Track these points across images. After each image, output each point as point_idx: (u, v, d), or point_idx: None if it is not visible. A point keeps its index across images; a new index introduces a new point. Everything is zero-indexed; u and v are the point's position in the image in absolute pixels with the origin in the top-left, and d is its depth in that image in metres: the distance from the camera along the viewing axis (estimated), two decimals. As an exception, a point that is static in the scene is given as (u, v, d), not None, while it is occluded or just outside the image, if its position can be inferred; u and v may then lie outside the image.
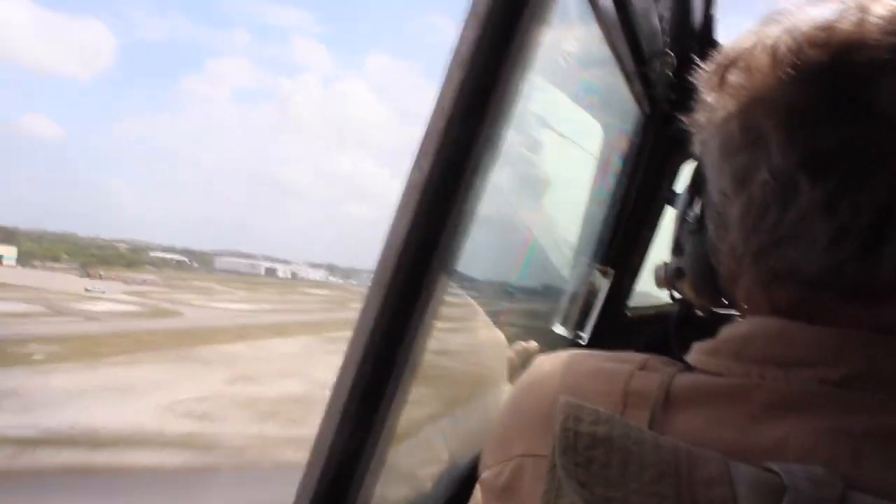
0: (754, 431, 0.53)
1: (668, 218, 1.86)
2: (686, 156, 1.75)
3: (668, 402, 0.56)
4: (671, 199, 0.82)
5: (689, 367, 0.61)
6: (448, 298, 0.98)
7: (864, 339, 0.54)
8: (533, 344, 1.41)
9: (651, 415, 0.56)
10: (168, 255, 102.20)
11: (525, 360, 1.27)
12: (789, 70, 0.55)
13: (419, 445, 0.97)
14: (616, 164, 1.68)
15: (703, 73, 0.65)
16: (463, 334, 1.05)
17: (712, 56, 0.65)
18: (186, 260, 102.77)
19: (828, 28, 0.55)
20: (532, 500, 0.56)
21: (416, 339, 0.69)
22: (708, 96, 0.63)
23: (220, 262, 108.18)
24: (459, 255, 0.77)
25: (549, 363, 0.68)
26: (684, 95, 1.61)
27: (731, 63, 0.60)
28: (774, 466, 0.48)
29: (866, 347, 0.54)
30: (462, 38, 0.59)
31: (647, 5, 1.00)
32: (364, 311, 0.64)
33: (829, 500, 0.46)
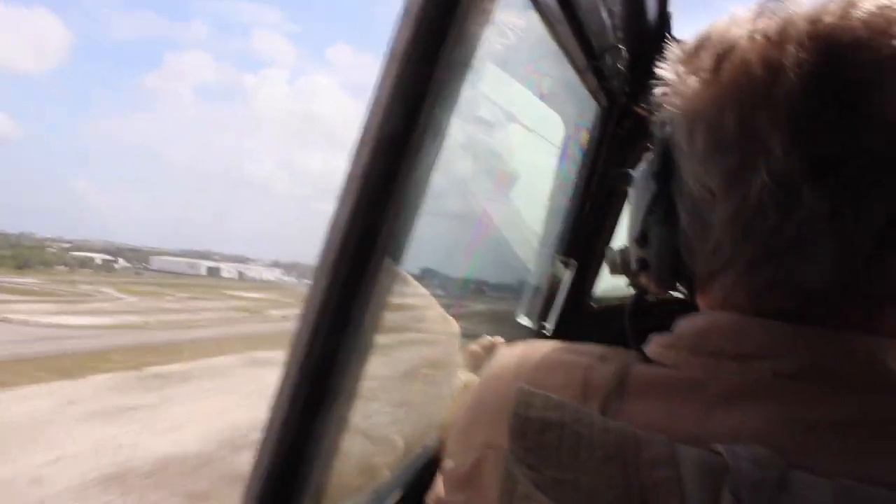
0: (707, 421, 0.54)
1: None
2: (646, 147, 1.78)
3: (623, 392, 0.57)
4: (627, 179, 0.78)
5: (647, 359, 0.61)
6: (400, 287, 1.00)
7: (818, 334, 0.55)
8: (498, 338, 1.42)
9: (604, 404, 0.57)
10: (96, 255, 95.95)
11: (491, 353, 1.28)
12: (793, 67, 0.52)
13: (374, 434, 0.99)
14: (577, 156, 1.71)
15: (678, 56, 0.62)
16: (415, 322, 1.06)
17: (686, 41, 0.63)
18: (112, 259, 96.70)
19: (817, 21, 0.53)
20: (493, 490, 0.57)
21: (362, 326, 0.70)
22: (687, 82, 0.60)
23: (158, 262, 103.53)
24: (407, 242, 0.78)
25: (510, 355, 0.69)
26: (641, 89, 1.65)
27: (725, 52, 0.57)
28: (719, 448, 0.50)
29: (819, 342, 0.55)
30: (399, 28, 0.61)
31: (593, 1, 1.02)
32: (308, 302, 0.65)
33: (770, 479, 0.48)
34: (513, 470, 0.54)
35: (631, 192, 0.73)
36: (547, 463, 0.53)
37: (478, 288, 1.75)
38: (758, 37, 0.56)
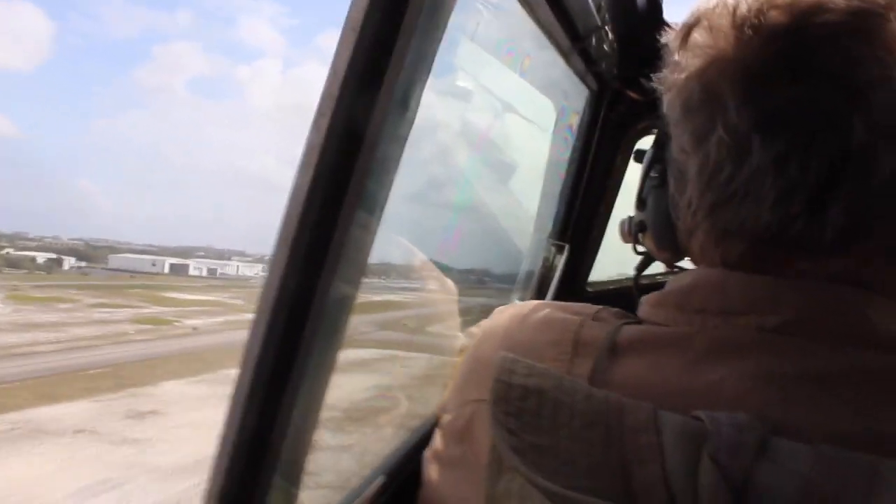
0: (692, 376, 0.55)
1: (624, 194, 1.90)
2: (638, 130, 1.79)
3: (613, 350, 0.58)
4: (639, 156, 0.83)
5: (639, 321, 0.63)
6: (396, 258, 1.01)
7: (799, 288, 0.56)
8: None
9: (595, 362, 0.58)
10: (39, 253, 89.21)
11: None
12: (748, 31, 0.56)
13: (379, 394, 1.00)
14: (570, 140, 1.72)
15: (671, 36, 0.65)
16: (411, 286, 1.08)
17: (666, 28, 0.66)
18: (56, 257, 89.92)
19: None
20: (485, 442, 0.58)
21: (328, 299, 0.71)
22: (674, 55, 0.63)
23: (116, 260, 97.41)
24: (383, 203, 0.79)
25: (506, 313, 0.71)
26: (632, 72, 1.65)
27: (695, 22, 0.61)
28: (701, 414, 0.51)
29: (801, 295, 0.56)
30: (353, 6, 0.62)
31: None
32: (267, 280, 0.66)
33: (749, 444, 0.48)
34: (494, 436, 0.55)
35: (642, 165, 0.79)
36: (526, 428, 0.54)
37: (475, 278, 1.76)
38: (722, 5, 0.59)
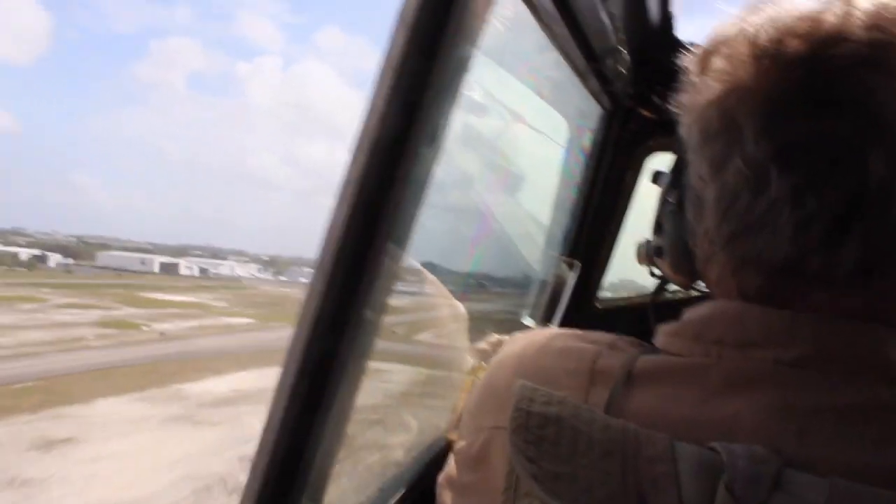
0: (708, 408, 0.55)
1: (635, 211, 1.90)
2: (650, 148, 1.80)
3: (629, 380, 0.58)
4: (656, 178, 0.82)
5: (655, 349, 0.63)
6: (407, 276, 1.02)
7: (816, 322, 0.56)
8: (506, 337, 1.44)
9: (611, 392, 0.58)
10: (22, 250, 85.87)
11: (498, 350, 1.30)
12: (767, 60, 0.56)
13: (388, 418, 1.00)
14: (581, 157, 1.72)
15: (690, 60, 0.65)
16: (423, 309, 1.08)
17: (687, 48, 0.66)
18: (40, 254, 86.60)
19: (811, 20, 0.55)
20: (501, 469, 0.58)
21: (364, 317, 0.72)
22: (693, 80, 0.63)
23: (104, 258, 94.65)
24: (408, 238, 0.80)
25: (522, 341, 0.71)
26: (645, 90, 1.66)
27: (714, 49, 0.61)
28: (717, 446, 0.51)
29: (818, 330, 0.56)
30: (395, 32, 0.63)
31: (592, 4, 1.03)
32: (307, 299, 0.67)
33: (765, 476, 0.49)
34: (513, 463, 0.56)
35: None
36: (545, 456, 0.54)
37: (483, 287, 1.76)
38: (741, 33, 0.59)
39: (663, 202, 0.73)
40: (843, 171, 0.53)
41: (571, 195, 1.77)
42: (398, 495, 0.96)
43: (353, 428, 0.83)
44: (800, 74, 0.55)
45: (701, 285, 0.73)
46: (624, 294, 2.11)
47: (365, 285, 0.70)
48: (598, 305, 2.02)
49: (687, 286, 0.77)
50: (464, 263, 1.64)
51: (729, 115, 0.58)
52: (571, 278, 1.75)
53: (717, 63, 0.60)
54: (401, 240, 0.77)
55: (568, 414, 0.55)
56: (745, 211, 0.57)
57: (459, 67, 0.76)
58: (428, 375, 1.11)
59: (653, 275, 0.85)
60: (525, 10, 0.93)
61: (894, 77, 0.53)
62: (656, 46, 1.48)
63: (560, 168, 1.78)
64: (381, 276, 0.74)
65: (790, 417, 0.53)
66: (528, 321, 1.75)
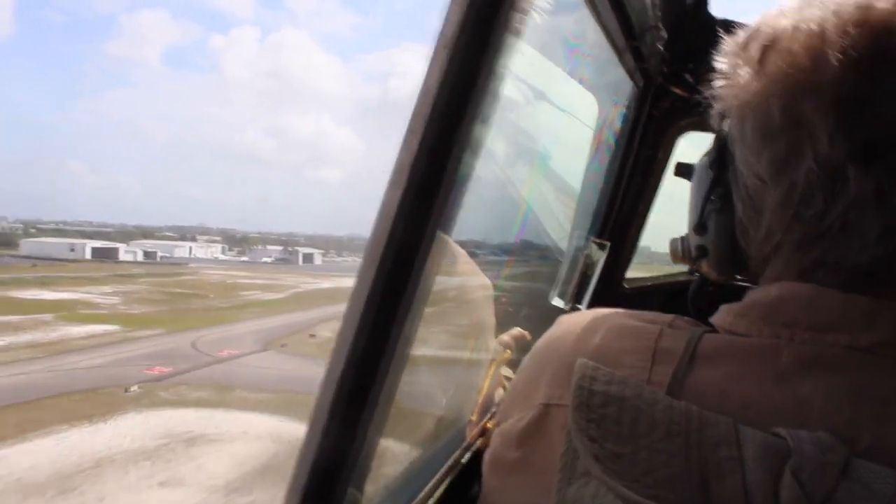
0: (778, 389, 0.55)
1: (665, 191, 1.88)
2: (681, 128, 1.77)
3: (694, 358, 0.58)
4: (686, 171, 0.79)
5: (713, 330, 0.62)
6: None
7: (894, 309, 0.55)
8: (527, 333, 1.43)
9: (675, 370, 0.58)
10: None
11: (522, 345, 1.29)
12: (836, 55, 0.54)
13: (421, 404, 1.00)
14: (611, 137, 1.70)
15: (731, 48, 0.64)
16: (456, 287, 1.07)
17: (721, 35, 0.65)
18: None
19: (869, 9, 0.54)
20: (557, 447, 0.58)
21: (412, 306, 0.71)
22: (739, 73, 0.61)
23: (28, 246, 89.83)
24: (456, 220, 0.79)
25: (574, 320, 0.70)
26: (678, 68, 1.62)
27: (771, 43, 0.59)
28: (782, 431, 0.50)
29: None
30: (447, 17, 0.61)
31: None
32: (358, 284, 0.66)
33: (833, 464, 0.48)
34: (574, 442, 0.55)
35: (692, 182, 0.76)
36: (607, 436, 0.54)
37: (510, 265, 1.75)
38: (802, 26, 0.57)
39: (706, 200, 0.70)
40: None
41: (602, 175, 1.75)
42: (430, 481, 0.97)
43: (393, 415, 0.83)
44: (870, 71, 0.53)
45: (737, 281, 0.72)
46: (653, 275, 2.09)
47: (415, 274, 0.69)
48: (626, 286, 2.01)
49: (724, 281, 0.76)
50: (496, 243, 1.63)
51: (796, 112, 0.56)
52: (601, 259, 1.73)
53: (776, 58, 0.58)
54: (448, 227, 0.76)
55: (630, 394, 0.55)
56: (820, 213, 0.56)
57: (506, 50, 0.74)
58: (458, 359, 1.11)
59: (691, 274, 0.83)
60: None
61: None
62: (690, 24, 1.45)
63: (591, 148, 1.75)
64: (430, 263, 0.73)
65: (864, 403, 0.53)
66: (557, 301, 1.73)
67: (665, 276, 2.08)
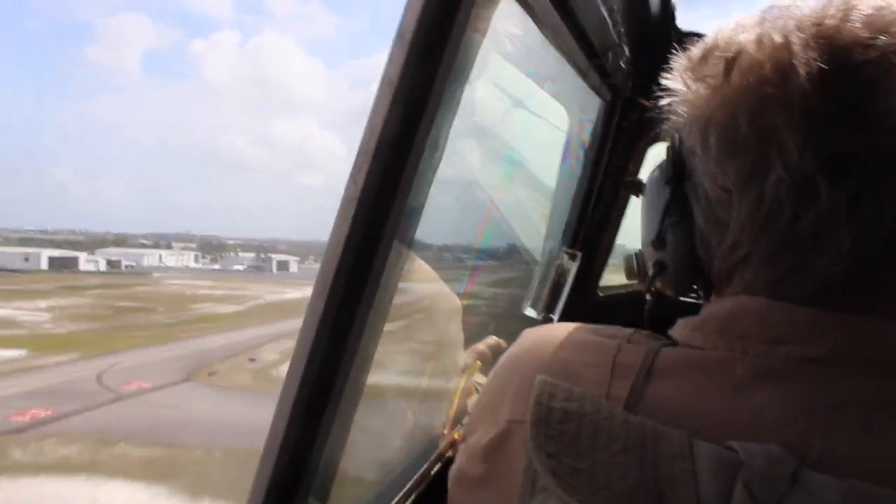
0: (733, 401, 0.56)
1: (637, 201, 1.90)
2: (652, 138, 1.79)
3: (651, 373, 0.59)
4: (636, 187, 0.79)
5: (673, 343, 0.64)
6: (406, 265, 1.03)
7: (844, 319, 0.57)
8: (501, 340, 1.45)
9: (633, 384, 0.59)
10: None
11: (497, 354, 1.30)
12: (804, 67, 0.55)
13: (387, 415, 1.01)
14: (580, 149, 1.72)
15: (686, 63, 0.64)
16: (419, 301, 1.09)
17: (688, 46, 0.65)
18: None
19: (829, 24, 0.56)
20: (518, 463, 0.59)
21: (369, 316, 0.73)
22: (696, 87, 0.62)
23: None
24: (415, 231, 0.81)
25: (537, 335, 0.71)
26: (646, 81, 1.64)
27: (735, 56, 0.59)
28: (735, 444, 0.52)
29: (845, 327, 0.57)
30: (396, 40, 0.63)
31: (589, 3, 1.03)
32: (314, 295, 0.68)
33: (781, 476, 0.50)
34: (532, 458, 0.56)
35: (644, 197, 0.76)
36: (565, 451, 0.55)
37: (483, 276, 1.77)
38: (765, 40, 0.58)
39: (664, 214, 0.69)
40: (893, 178, 0.54)
41: (573, 185, 1.77)
42: (399, 492, 0.98)
43: (356, 426, 0.84)
44: (837, 84, 0.54)
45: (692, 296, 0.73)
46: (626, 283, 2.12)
47: (371, 283, 0.71)
48: (600, 294, 2.03)
49: (680, 296, 0.76)
50: (467, 254, 1.65)
51: (764, 124, 0.57)
52: (573, 269, 1.76)
53: (741, 70, 0.58)
54: (406, 238, 0.78)
55: (589, 409, 0.56)
56: (790, 223, 0.57)
57: (460, 75, 0.76)
58: (424, 372, 1.12)
59: (648, 291, 0.79)
60: (525, 15, 0.93)
61: None
62: (658, 37, 1.48)
63: (562, 159, 1.78)
64: (388, 272, 0.74)
65: (815, 413, 0.54)
66: (530, 312, 1.76)
67: (639, 285, 2.10)
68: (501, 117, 1.57)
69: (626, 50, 1.31)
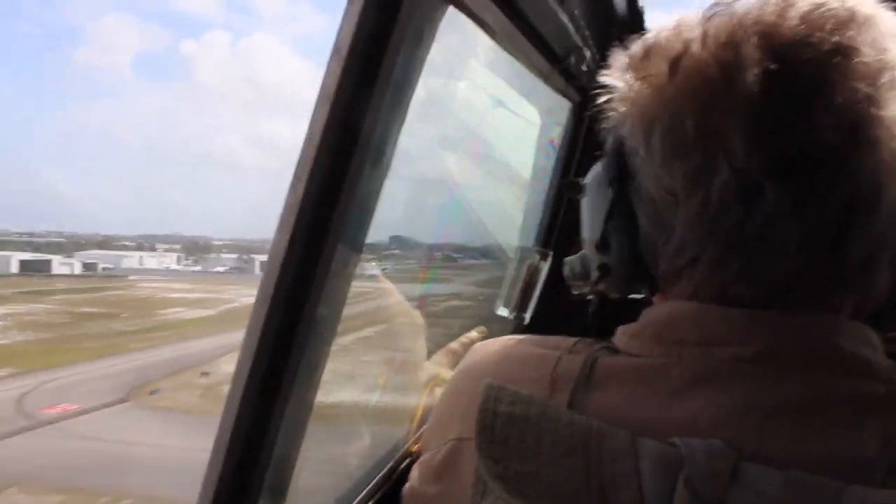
0: (669, 406, 0.57)
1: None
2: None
3: (590, 382, 0.60)
4: (576, 188, 0.77)
5: (615, 350, 0.65)
6: (365, 281, 1.03)
7: (774, 319, 0.58)
8: (474, 334, 1.45)
9: (572, 395, 0.60)
10: None
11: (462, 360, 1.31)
12: (750, 68, 0.55)
13: (342, 430, 1.02)
14: (549, 147, 1.73)
15: (627, 61, 0.65)
16: (378, 316, 1.10)
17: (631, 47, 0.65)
18: None
19: (772, 25, 0.56)
20: (469, 479, 0.60)
21: (316, 319, 0.73)
22: (637, 86, 0.62)
23: None
24: (363, 236, 0.81)
25: (484, 350, 0.72)
26: (616, 81, 1.65)
27: (678, 57, 0.60)
28: (677, 441, 0.53)
29: (774, 325, 0.58)
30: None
31: (546, 10, 1.04)
32: (259, 297, 0.68)
33: (722, 470, 0.51)
34: (478, 464, 0.57)
35: (585, 199, 0.76)
36: (511, 456, 0.55)
37: (456, 275, 1.78)
38: (710, 39, 0.58)
39: (608, 216, 0.69)
40: (838, 177, 0.54)
41: (545, 185, 1.78)
42: (358, 496, 0.99)
43: (309, 437, 0.85)
44: (783, 84, 0.55)
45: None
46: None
47: (316, 287, 0.71)
48: (575, 292, 2.03)
49: (621, 297, 0.75)
50: (440, 253, 1.66)
51: (710, 126, 0.57)
52: (544, 269, 1.76)
53: (686, 71, 0.58)
54: (354, 242, 0.78)
55: (535, 412, 0.56)
56: (736, 225, 0.57)
57: (404, 82, 0.77)
58: (385, 385, 1.13)
59: (589, 294, 0.82)
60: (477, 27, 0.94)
61: (855, 79, 0.54)
62: (626, 39, 1.48)
63: (534, 159, 1.79)
64: (333, 279, 0.75)
65: (749, 413, 0.55)
66: (502, 311, 1.76)
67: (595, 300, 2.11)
68: (469, 120, 1.58)
69: (592, 52, 1.31)
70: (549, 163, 1.75)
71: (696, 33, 0.59)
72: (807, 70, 0.55)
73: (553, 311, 1.84)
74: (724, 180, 0.56)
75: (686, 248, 0.61)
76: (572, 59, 1.28)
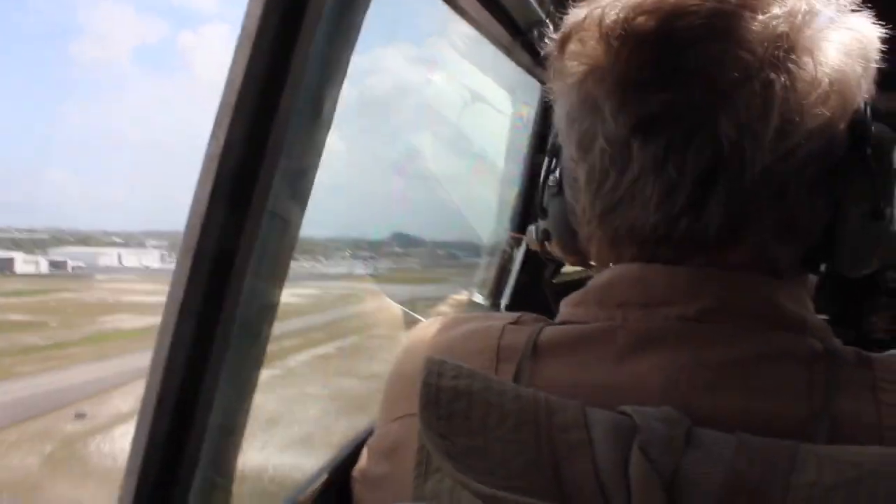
0: (617, 371, 0.56)
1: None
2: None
3: (536, 353, 0.59)
4: (538, 163, 0.84)
5: (561, 322, 0.64)
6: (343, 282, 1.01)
7: (716, 276, 0.58)
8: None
9: (518, 367, 0.59)
10: None
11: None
12: (617, 40, 0.57)
13: (301, 416, 0.99)
14: (524, 132, 1.71)
15: (552, 42, 0.66)
16: (353, 310, 1.07)
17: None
18: None
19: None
20: (413, 456, 0.58)
21: (240, 304, 0.71)
22: (556, 64, 0.64)
23: None
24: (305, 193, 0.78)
25: (426, 330, 0.71)
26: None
27: (570, 33, 0.62)
28: (628, 409, 0.52)
29: (718, 283, 0.58)
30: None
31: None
32: (173, 287, 0.66)
33: (676, 437, 0.50)
34: (424, 440, 0.55)
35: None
36: (458, 431, 0.54)
37: (431, 261, 1.76)
38: (592, 16, 0.60)
39: (544, 183, 0.73)
40: (699, 138, 0.55)
41: (518, 170, 1.76)
42: (313, 487, 0.96)
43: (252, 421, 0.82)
44: (649, 50, 0.56)
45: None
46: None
47: (233, 288, 0.69)
48: (554, 281, 2.02)
49: (580, 265, 0.77)
50: (414, 239, 1.64)
51: (590, 96, 0.59)
52: (519, 254, 1.75)
53: (573, 47, 0.61)
54: (287, 214, 0.76)
55: (479, 387, 0.55)
56: (612, 187, 0.59)
57: (343, 39, 0.75)
58: (347, 371, 1.10)
59: (546, 258, 0.84)
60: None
61: (735, 45, 0.55)
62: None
63: (506, 143, 1.77)
64: (251, 278, 0.73)
65: (699, 373, 0.55)
66: (477, 297, 1.75)
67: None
68: (447, 99, 1.56)
69: (549, 28, 1.29)
70: (522, 146, 1.73)
71: (583, 11, 0.61)
72: (683, 35, 0.55)
73: (533, 298, 1.83)
74: (601, 146, 0.58)
75: (586, 212, 0.63)
76: (535, 34, 1.26)
